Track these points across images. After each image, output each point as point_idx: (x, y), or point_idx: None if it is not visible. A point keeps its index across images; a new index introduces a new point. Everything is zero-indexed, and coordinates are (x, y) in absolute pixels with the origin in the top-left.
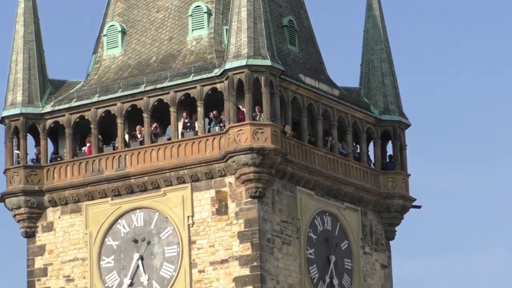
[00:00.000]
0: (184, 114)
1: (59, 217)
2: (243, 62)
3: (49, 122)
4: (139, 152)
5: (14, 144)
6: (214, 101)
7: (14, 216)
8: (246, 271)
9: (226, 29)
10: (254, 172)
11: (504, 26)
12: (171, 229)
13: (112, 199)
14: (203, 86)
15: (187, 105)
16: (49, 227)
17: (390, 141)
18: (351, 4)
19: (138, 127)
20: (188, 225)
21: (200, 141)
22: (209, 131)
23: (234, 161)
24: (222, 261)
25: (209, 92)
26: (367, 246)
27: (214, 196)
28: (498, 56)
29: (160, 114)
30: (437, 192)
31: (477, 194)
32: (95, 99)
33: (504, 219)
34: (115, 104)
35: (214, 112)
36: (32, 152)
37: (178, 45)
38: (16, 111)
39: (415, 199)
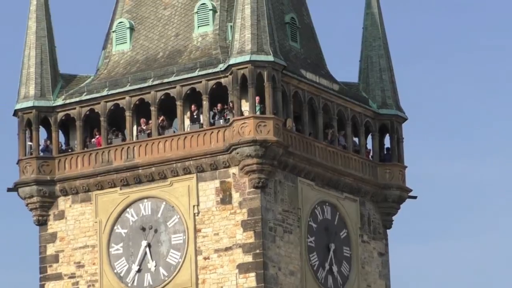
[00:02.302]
0: (193, 107)
1: (70, 206)
2: (246, 58)
3: (60, 115)
4: (146, 144)
5: (27, 136)
6: (218, 95)
7: (27, 205)
8: (249, 258)
9: (231, 26)
10: (257, 163)
11: (501, 19)
12: (177, 217)
13: (120, 189)
14: (208, 80)
15: (193, 99)
16: (61, 215)
17: (387, 134)
18: (351, 2)
19: (142, 120)
20: (194, 214)
21: (205, 133)
22: (213, 124)
23: (238, 153)
24: (226, 249)
25: (214, 86)
26: (365, 234)
27: (219, 186)
28: (494, 50)
29: (167, 108)
30: (432, 183)
31: (470, 185)
32: (104, 93)
33: (495, 208)
34: (124, 98)
35: (219, 105)
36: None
37: (184, 41)
38: (29, 104)
39: (411, 190)
